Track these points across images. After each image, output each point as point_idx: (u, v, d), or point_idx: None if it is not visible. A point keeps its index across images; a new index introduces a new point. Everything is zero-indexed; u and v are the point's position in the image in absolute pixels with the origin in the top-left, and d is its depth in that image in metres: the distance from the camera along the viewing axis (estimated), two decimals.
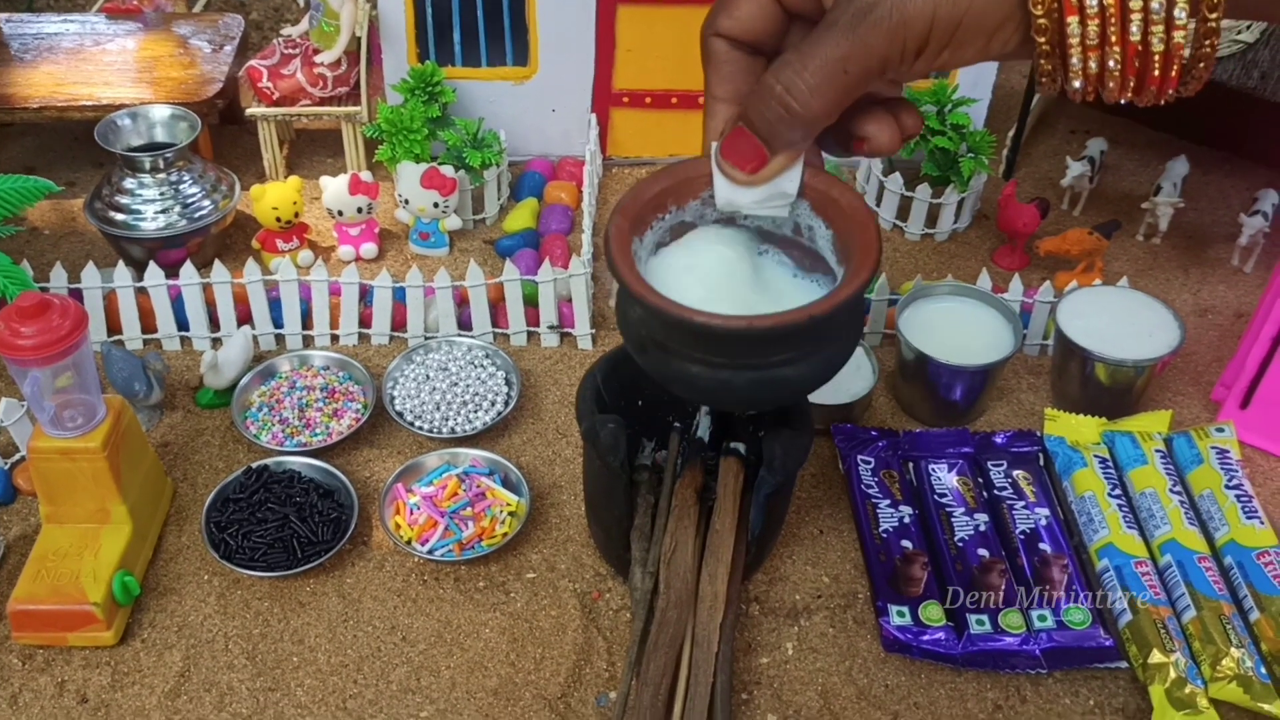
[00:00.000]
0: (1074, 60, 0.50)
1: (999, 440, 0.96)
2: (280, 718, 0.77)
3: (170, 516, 0.90)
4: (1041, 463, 0.95)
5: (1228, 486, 0.89)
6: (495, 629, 0.83)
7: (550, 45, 1.22)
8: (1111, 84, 0.51)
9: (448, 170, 1.12)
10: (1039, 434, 0.96)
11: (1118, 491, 0.90)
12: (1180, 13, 0.49)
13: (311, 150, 1.32)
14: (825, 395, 0.96)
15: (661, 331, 0.66)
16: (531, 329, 1.06)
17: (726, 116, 0.61)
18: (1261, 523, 0.87)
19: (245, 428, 0.94)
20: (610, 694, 0.79)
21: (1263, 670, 0.79)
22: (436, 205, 1.12)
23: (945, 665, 0.81)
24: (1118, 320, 0.98)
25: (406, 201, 1.13)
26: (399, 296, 1.04)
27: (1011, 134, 1.29)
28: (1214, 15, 0.49)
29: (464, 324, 1.05)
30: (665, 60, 1.23)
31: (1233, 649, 0.79)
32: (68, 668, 0.80)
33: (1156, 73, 0.50)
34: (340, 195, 1.10)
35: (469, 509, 0.87)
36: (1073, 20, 0.49)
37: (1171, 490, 0.89)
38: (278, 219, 1.09)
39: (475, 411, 0.96)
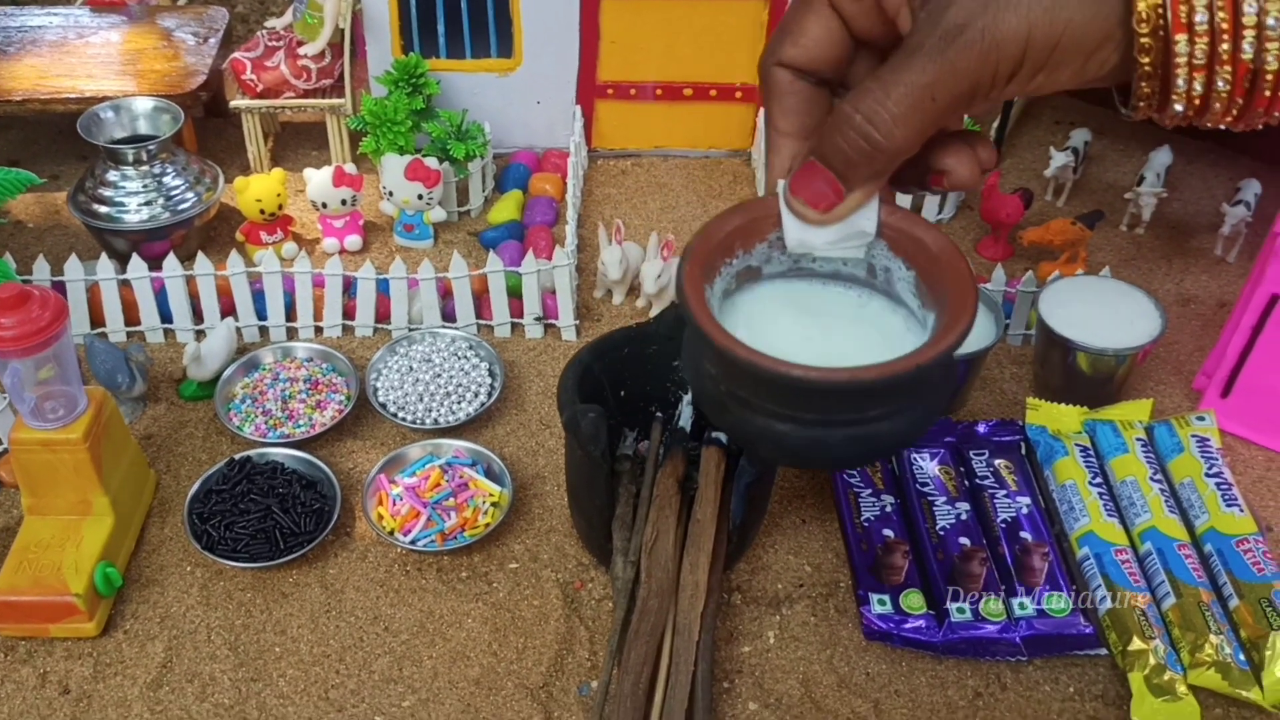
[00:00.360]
0: (1179, 82, 0.47)
1: (981, 429, 0.96)
2: (262, 708, 0.77)
3: (153, 508, 0.90)
4: (1023, 452, 0.95)
5: (1208, 474, 0.90)
6: (477, 619, 0.83)
7: (534, 37, 1.22)
8: (1217, 106, 0.48)
9: (432, 162, 1.12)
10: (1021, 423, 0.97)
11: (1098, 480, 0.91)
12: None
13: (297, 143, 1.32)
14: None
15: (747, 387, 0.60)
16: (515, 320, 1.06)
17: (793, 151, 0.57)
18: (1241, 510, 0.87)
19: (228, 419, 0.94)
20: (592, 683, 0.79)
21: (1241, 657, 0.79)
22: (421, 197, 1.12)
23: (926, 653, 0.81)
24: (1099, 309, 0.98)
25: (391, 194, 1.13)
26: (383, 288, 1.04)
27: (996, 125, 1.29)
28: None
29: (448, 315, 1.05)
30: (650, 52, 1.23)
31: (1211, 636, 0.79)
32: (49, 659, 0.80)
33: (1267, 93, 0.46)
34: (324, 187, 1.10)
35: (451, 499, 0.87)
36: (1181, 38, 0.46)
37: (1152, 479, 0.90)
38: (261, 211, 1.09)
39: (459, 403, 0.96)
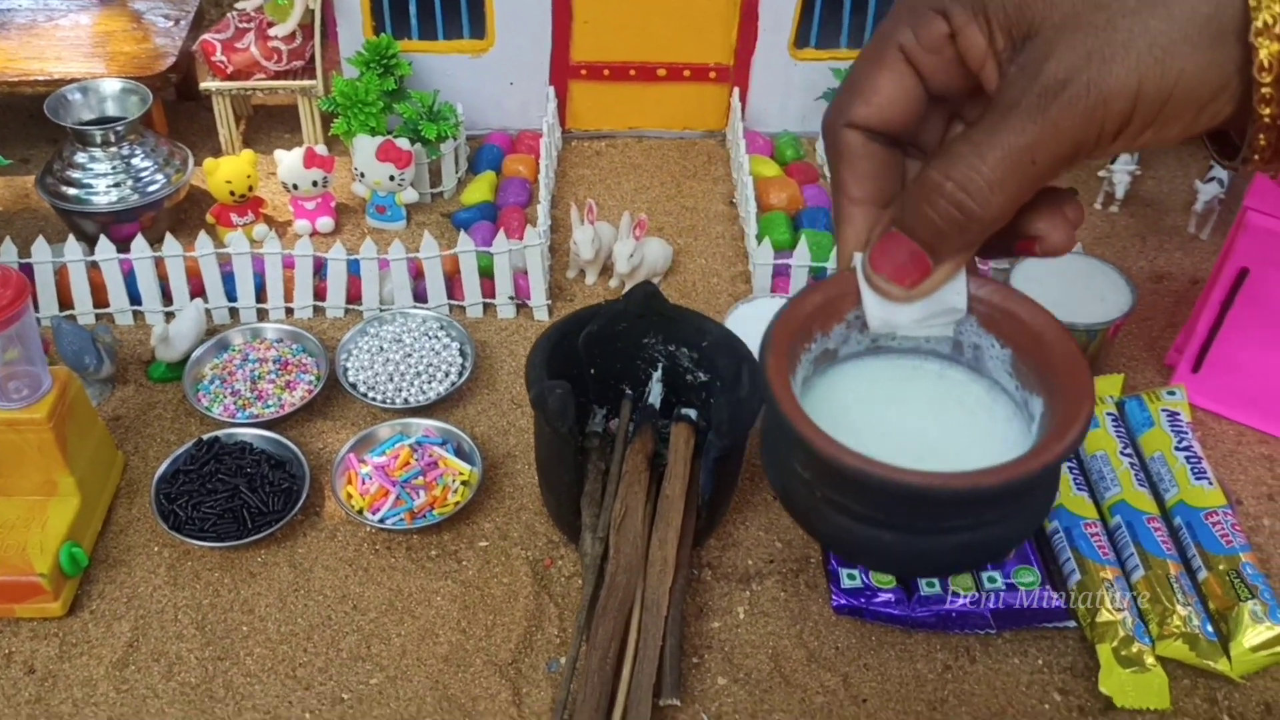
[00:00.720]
0: None
1: None
2: (229, 686, 0.77)
3: (121, 489, 0.90)
4: None
5: (1178, 448, 0.90)
6: (447, 596, 0.83)
7: (507, 18, 1.21)
8: None
9: (403, 143, 1.11)
10: None
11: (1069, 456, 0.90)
12: None
13: (269, 125, 1.31)
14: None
15: (850, 494, 0.55)
16: (488, 300, 1.06)
17: (868, 221, 0.52)
18: (1210, 484, 0.87)
19: (197, 400, 0.94)
20: (561, 659, 0.79)
21: (1209, 628, 0.79)
22: (392, 178, 1.11)
23: (895, 627, 0.81)
24: (1071, 286, 0.98)
25: (362, 175, 1.12)
26: (353, 269, 1.03)
27: None
28: None
29: (419, 296, 1.05)
30: (623, 32, 1.23)
31: (1179, 608, 0.79)
32: (15, 639, 0.79)
33: None
34: (295, 169, 1.10)
35: (421, 478, 0.87)
36: None
37: (1122, 453, 0.90)
38: (231, 193, 1.09)
39: (429, 382, 0.95)
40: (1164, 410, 0.93)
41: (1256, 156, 0.45)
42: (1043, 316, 0.56)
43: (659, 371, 0.88)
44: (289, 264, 1.03)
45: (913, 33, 0.49)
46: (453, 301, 1.05)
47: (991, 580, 0.83)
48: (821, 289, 0.57)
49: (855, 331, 0.59)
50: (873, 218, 0.52)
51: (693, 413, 0.85)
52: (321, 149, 1.11)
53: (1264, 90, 0.42)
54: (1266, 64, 0.42)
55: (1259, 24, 0.41)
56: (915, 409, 0.59)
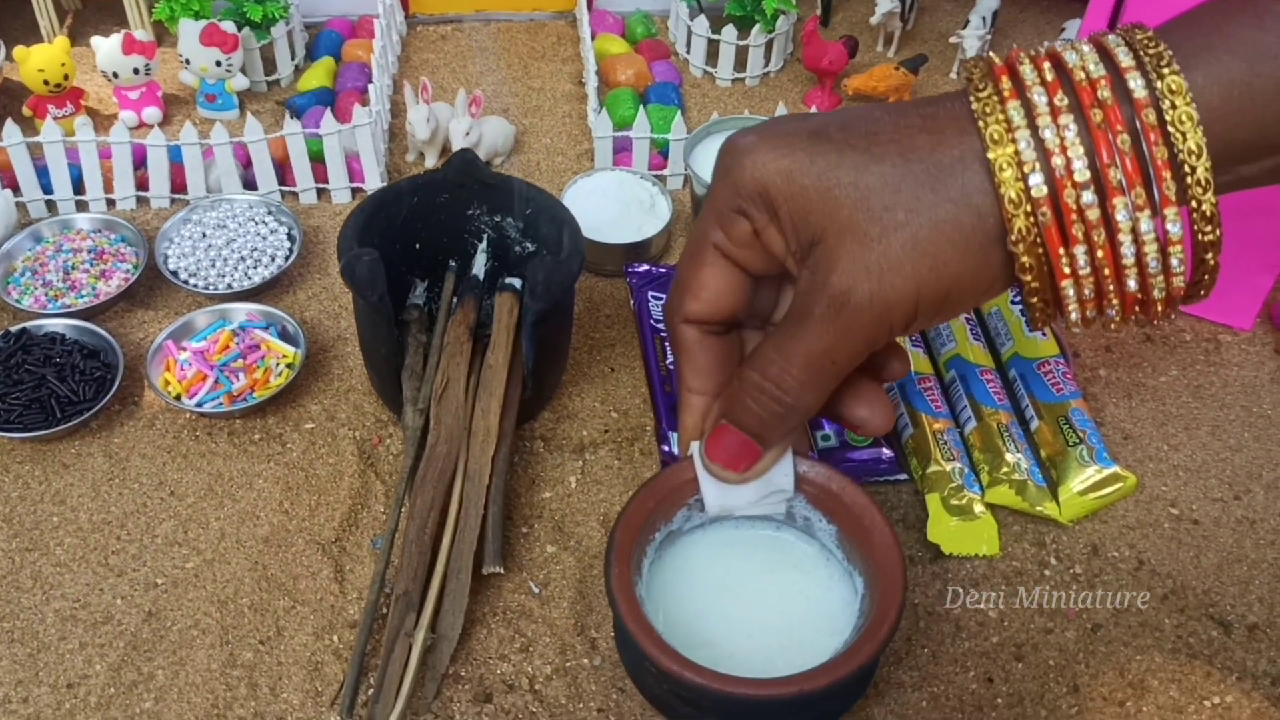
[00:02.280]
0: (1072, 314, 0.48)
1: None
2: (37, 576, 0.74)
3: None
4: None
5: (1013, 302, 0.90)
6: (269, 479, 0.80)
7: None
8: (1112, 326, 0.49)
9: (228, 26, 1.06)
10: None
11: None
12: (1176, 260, 0.46)
13: (98, 19, 1.25)
14: (617, 235, 0.94)
15: (694, 698, 0.64)
16: (321, 185, 1.02)
17: (704, 409, 0.58)
18: (1044, 335, 0.87)
19: (7, 293, 0.90)
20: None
21: (1038, 474, 0.80)
22: (219, 64, 1.07)
23: None
24: None
25: (188, 62, 1.08)
26: (175, 157, 0.99)
27: None
28: (1210, 230, 0.46)
29: (250, 184, 1.01)
30: None
31: (1008, 455, 0.79)
32: None
33: (1159, 309, 0.48)
34: (114, 56, 1.05)
35: (240, 361, 0.84)
36: (1066, 284, 0.46)
37: None
38: (45, 82, 1.04)
39: (254, 267, 0.92)
40: None
41: (1039, 322, 0.49)
42: (863, 500, 0.65)
43: (484, 243, 0.86)
44: (106, 154, 0.98)
45: (723, 232, 0.53)
46: (285, 188, 1.02)
47: (825, 439, 0.82)
48: (662, 482, 0.65)
49: (696, 512, 0.67)
50: (709, 406, 0.58)
51: (517, 282, 0.82)
52: (141, 34, 1.06)
53: (1031, 284, 0.47)
54: (1028, 265, 0.46)
55: (1014, 235, 0.45)
56: (754, 571, 0.69)
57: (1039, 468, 0.80)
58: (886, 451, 0.81)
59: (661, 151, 1.04)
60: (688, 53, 1.19)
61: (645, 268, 0.94)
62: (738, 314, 0.56)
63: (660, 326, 0.89)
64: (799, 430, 0.58)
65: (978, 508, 0.78)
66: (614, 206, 0.96)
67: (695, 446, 0.59)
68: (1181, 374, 0.88)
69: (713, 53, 1.17)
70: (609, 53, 1.16)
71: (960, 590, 0.75)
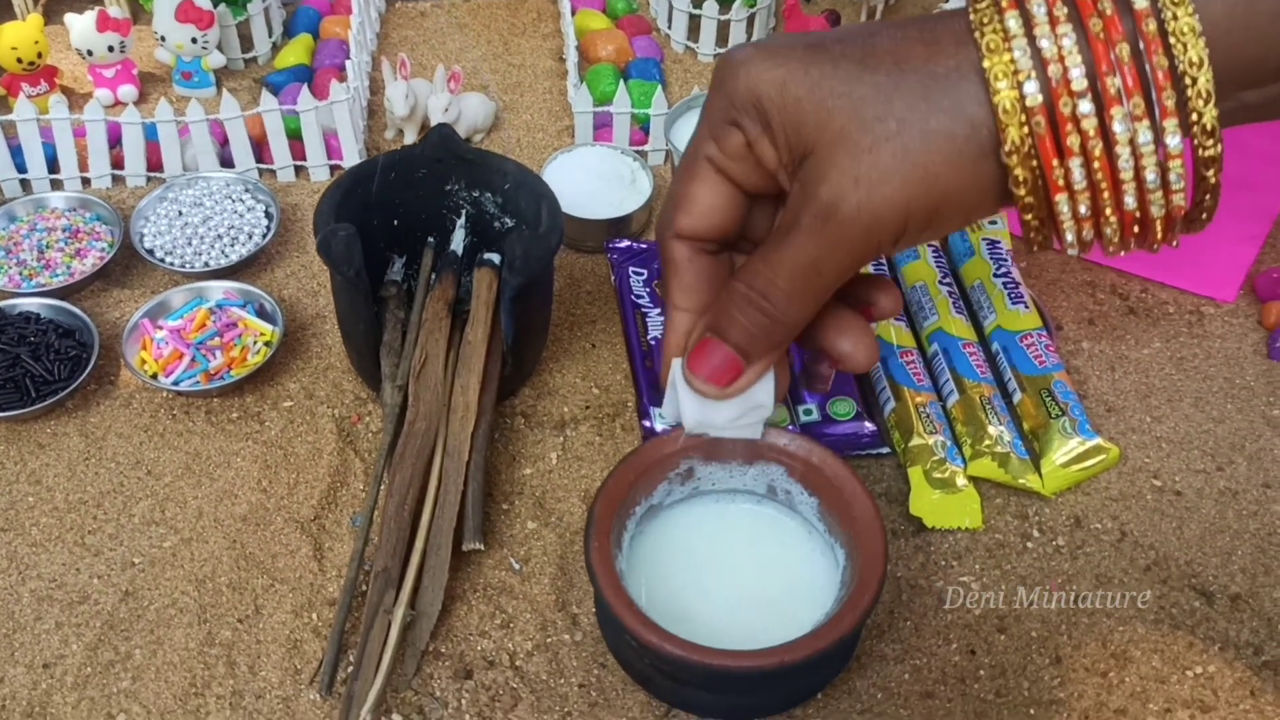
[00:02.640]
0: (1067, 234, 0.47)
1: None
2: (12, 556, 0.74)
3: None
4: None
5: (996, 275, 0.89)
6: (247, 458, 0.80)
7: None
8: (1110, 248, 0.48)
9: (204, 3, 1.05)
10: None
11: None
12: (1175, 175, 0.45)
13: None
14: (597, 210, 0.93)
15: (674, 670, 0.63)
16: (299, 163, 1.01)
17: (688, 327, 0.57)
18: (1026, 307, 0.87)
19: None
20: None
21: (1021, 447, 0.79)
22: (195, 41, 1.06)
23: None
24: None
25: (164, 39, 1.06)
26: (151, 135, 0.98)
27: None
28: (1211, 144, 0.44)
29: (226, 162, 1.00)
30: None
31: (991, 428, 0.79)
32: None
33: (1159, 233, 0.47)
34: (88, 33, 1.04)
35: (217, 339, 0.83)
36: (1060, 198, 0.45)
37: (941, 282, 0.89)
38: (19, 60, 1.02)
39: (231, 245, 0.91)
40: (984, 239, 0.92)
41: (1035, 245, 0.48)
42: (844, 472, 0.66)
43: (463, 218, 0.85)
44: (81, 133, 0.97)
45: (716, 145, 0.52)
46: (263, 166, 1.01)
47: (808, 412, 0.82)
48: (641, 457, 0.66)
49: (677, 485, 0.68)
50: (693, 324, 0.57)
51: (496, 257, 0.82)
52: (116, 10, 1.05)
53: (1025, 200, 0.46)
54: (1022, 179, 0.45)
55: (1007, 146, 0.45)
56: (735, 544, 0.69)
57: (1021, 440, 0.80)
58: (869, 425, 0.81)
59: (642, 127, 1.03)
60: (669, 28, 1.18)
61: (626, 244, 0.93)
62: (729, 232, 0.55)
63: (641, 302, 0.88)
64: (782, 350, 0.56)
65: (960, 481, 0.78)
66: (594, 182, 0.95)
67: (677, 364, 0.58)
68: (1164, 346, 0.88)
69: (694, 28, 1.16)
70: (590, 28, 1.15)
71: (944, 563, 0.74)
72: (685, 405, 0.59)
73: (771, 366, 0.57)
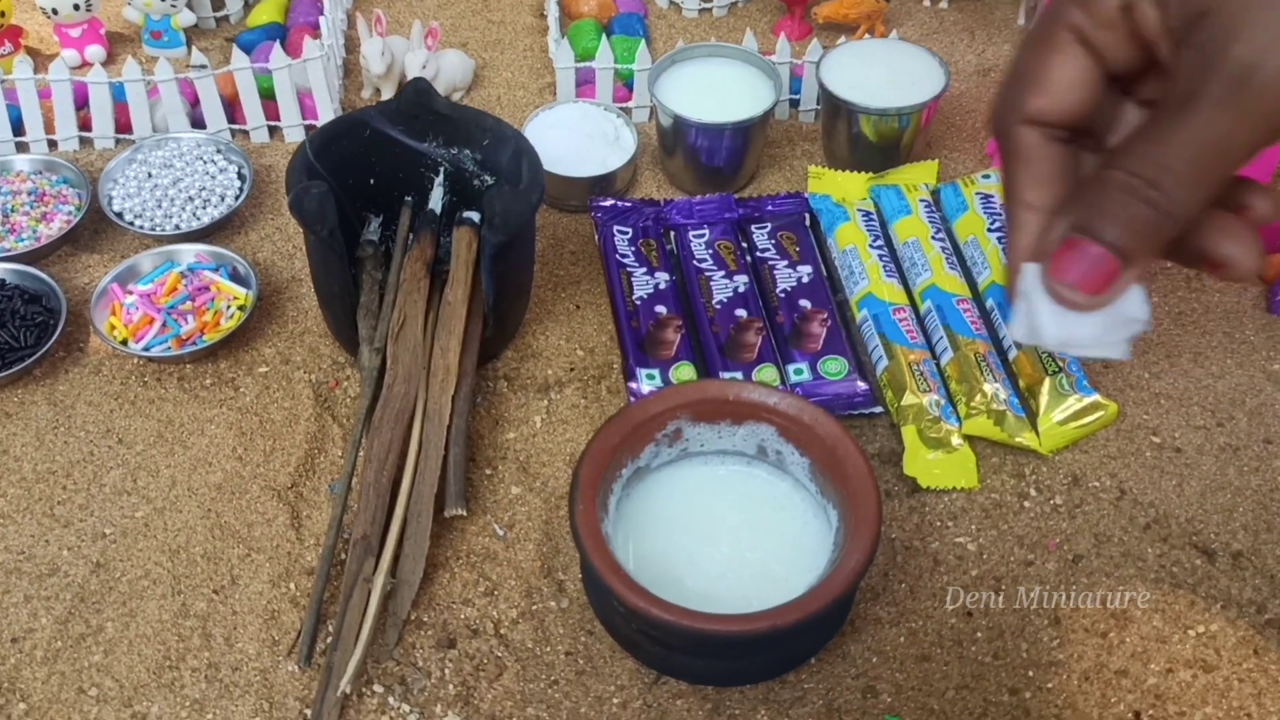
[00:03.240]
0: None
1: (763, 204, 0.92)
2: None
3: None
4: (808, 224, 0.91)
5: (990, 230, 0.87)
6: (222, 424, 0.77)
7: None
8: None
9: None
10: (806, 195, 0.93)
11: (880, 243, 0.87)
12: None
13: None
14: (580, 168, 0.91)
15: (663, 635, 0.61)
16: (273, 124, 0.98)
17: (1039, 228, 0.48)
18: None
19: None
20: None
21: (1017, 404, 0.77)
22: (165, 0, 1.03)
23: None
24: (882, 72, 0.94)
25: None
26: (119, 95, 0.95)
27: None
28: None
29: (197, 123, 0.97)
30: None
31: (986, 385, 0.77)
32: None
33: None
34: None
35: (188, 303, 0.80)
36: None
37: (934, 237, 0.87)
38: None
39: (203, 207, 0.88)
40: (978, 194, 0.90)
41: None
42: (837, 430, 0.64)
43: (441, 176, 0.82)
44: (46, 94, 0.94)
45: (1082, 9, 0.46)
46: (235, 126, 0.98)
47: (798, 372, 0.80)
48: (626, 418, 0.65)
49: (664, 447, 0.67)
50: (1047, 223, 0.48)
51: (475, 215, 0.79)
52: None
53: None
54: None
55: None
56: (726, 506, 0.67)
57: (1017, 397, 0.78)
58: (861, 384, 0.79)
59: (626, 83, 1.01)
60: None
61: (610, 202, 0.90)
62: (1088, 116, 0.48)
63: (626, 261, 0.86)
64: (1163, 251, 0.47)
65: (955, 440, 0.76)
66: (577, 139, 0.93)
67: (1030, 270, 0.49)
68: (1162, 300, 0.86)
69: None
70: None
71: (939, 524, 0.72)
72: (1044, 319, 0.49)
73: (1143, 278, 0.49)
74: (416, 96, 0.80)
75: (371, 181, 0.82)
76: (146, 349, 0.78)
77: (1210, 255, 0.47)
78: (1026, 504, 0.74)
